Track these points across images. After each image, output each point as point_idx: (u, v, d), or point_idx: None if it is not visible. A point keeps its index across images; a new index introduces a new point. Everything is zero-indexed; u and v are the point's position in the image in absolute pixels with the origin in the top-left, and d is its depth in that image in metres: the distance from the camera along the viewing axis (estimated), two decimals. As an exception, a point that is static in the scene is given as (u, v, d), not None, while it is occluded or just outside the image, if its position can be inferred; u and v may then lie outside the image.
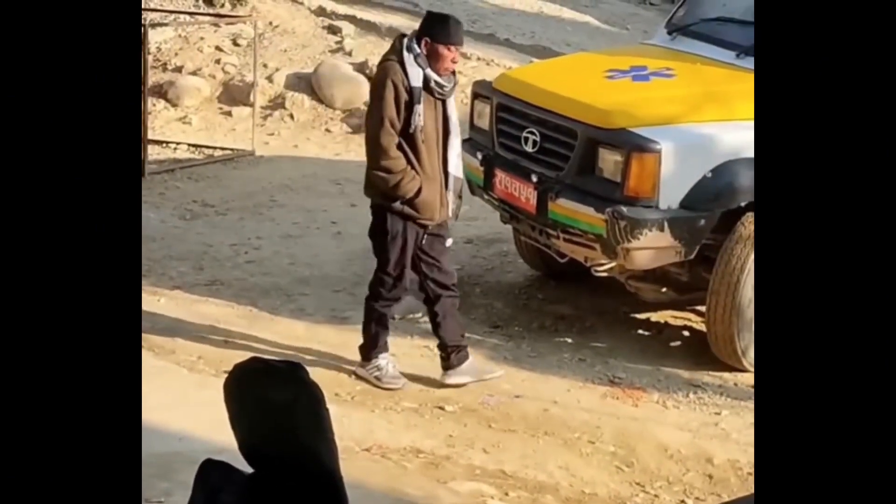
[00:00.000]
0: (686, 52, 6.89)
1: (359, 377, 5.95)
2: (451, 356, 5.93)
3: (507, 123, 6.66)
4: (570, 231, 6.25)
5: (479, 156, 6.75)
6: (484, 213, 7.87)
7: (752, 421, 5.87)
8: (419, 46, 5.56)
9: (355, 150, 10.05)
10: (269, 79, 10.89)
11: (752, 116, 6.44)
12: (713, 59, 6.74)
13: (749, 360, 6.24)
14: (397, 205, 5.62)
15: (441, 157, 5.70)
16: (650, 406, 5.95)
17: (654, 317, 6.91)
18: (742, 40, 6.68)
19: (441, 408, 5.75)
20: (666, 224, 5.97)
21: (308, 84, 10.79)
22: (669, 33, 7.22)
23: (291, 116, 10.58)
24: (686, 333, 6.78)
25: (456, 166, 5.78)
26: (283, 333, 6.45)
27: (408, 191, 5.57)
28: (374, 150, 5.58)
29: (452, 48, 5.60)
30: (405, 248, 5.71)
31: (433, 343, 6.43)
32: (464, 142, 7.08)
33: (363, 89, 10.68)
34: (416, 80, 5.53)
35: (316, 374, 2.74)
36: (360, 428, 5.43)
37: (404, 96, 5.52)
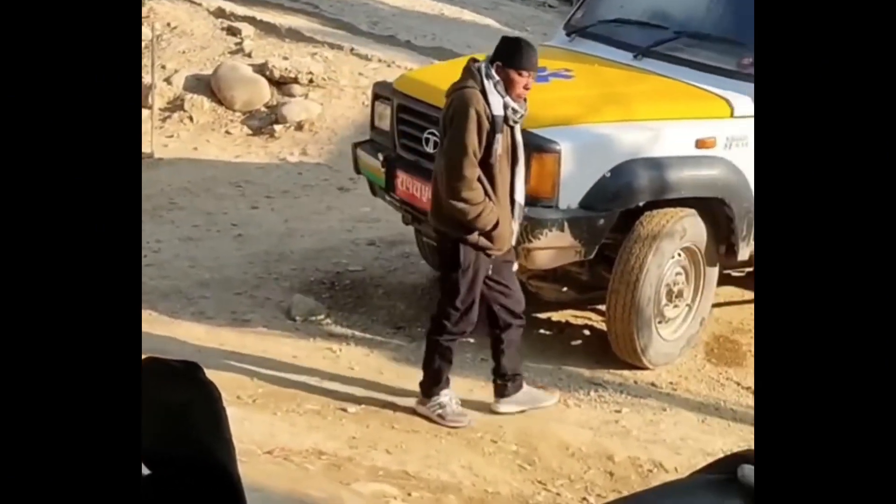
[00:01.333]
0: (584, 54, 6.96)
1: (419, 414, 5.73)
2: (507, 384, 5.84)
3: (408, 124, 6.65)
4: (471, 231, 6.26)
5: (381, 157, 6.74)
6: (386, 215, 7.86)
7: (652, 418, 5.95)
8: (495, 72, 5.44)
9: (256, 152, 9.99)
10: (168, 81, 10.77)
11: (650, 117, 6.52)
12: (611, 61, 6.81)
13: (648, 358, 6.32)
14: (473, 237, 5.47)
15: (510, 184, 5.58)
16: (552, 405, 5.99)
17: (555, 316, 6.96)
18: (639, 41, 6.76)
19: (344, 409, 5.73)
20: (566, 224, 6.02)
21: (207, 86, 10.69)
22: (568, 35, 7.28)
23: (191, 118, 10.48)
24: (587, 332, 6.84)
25: (521, 194, 5.65)
26: (184, 336, 6.37)
27: (487, 223, 5.43)
28: (456, 181, 5.35)
29: (525, 73, 5.45)
30: (475, 281, 5.58)
31: (336, 345, 6.41)
32: (364, 143, 7.10)
33: (263, 91, 10.62)
34: (498, 108, 5.38)
35: (217, 376, 2.71)
36: (261, 431, 5.39)
37: (486, 126, 5.36)
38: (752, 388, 6.33)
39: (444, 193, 5.44)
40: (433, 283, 7.31)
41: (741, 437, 5.84)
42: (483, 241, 5.48)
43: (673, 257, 6.30)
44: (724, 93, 6.39)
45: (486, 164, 5.39)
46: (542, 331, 6.82)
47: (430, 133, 6.44)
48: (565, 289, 6.62)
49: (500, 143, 5.38)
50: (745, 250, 6.50)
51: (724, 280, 6.86)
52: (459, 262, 5.52)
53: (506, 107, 5.39)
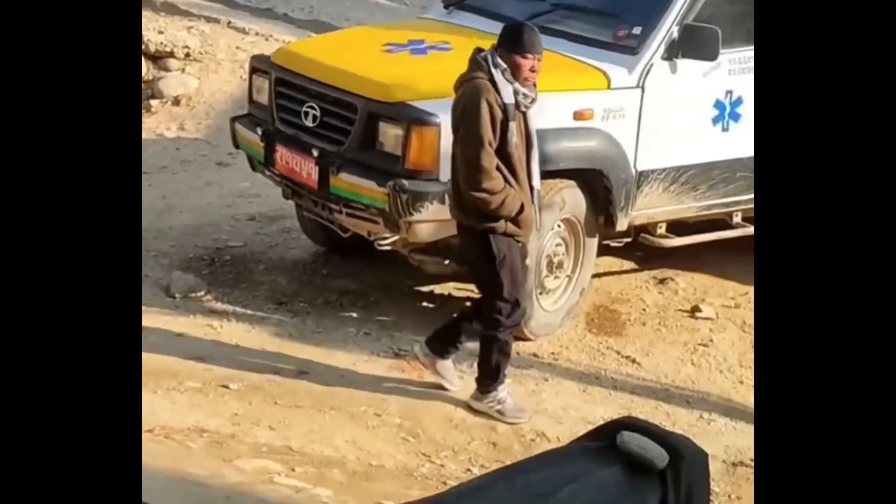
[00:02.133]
0: (462, 26, 6.96)
1: (475, 410, 5.68)
2: (490, 383, 5.75)
3: (287, 98, 6.60)
4: (352, 205, 6.25)
5: (259, 131, 6.67)
6: (266, 190, 7.79)
7: (534, 388, 6.01)
8: (501, 60, 5.41)
9: None
10: None
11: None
12: (489, 33, 6.80)
13: (529, 329, 6.37)
14: (501, 224, 5.44)
15: (527, 170, 5.56)
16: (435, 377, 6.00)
17: (438, 289, 6.98)
18: (516, 13, 6.78)
19: (225, 386, 5.68)
20: (447, 197, 6.02)
21: None
22: (446, 7, 7.28)
23: None
24: (469, 304, 6.86)
25: (538, 179, 5.64)
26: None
27: (511, 209, 5.40)
28: (475, 172, 5.35)
29: (529, 56, 5.43)
30: (515, 268, 5.54)
31: (217, 321, 6.35)
32: (243, 117, 7.02)
33: (139, 65, 10.43)
34: (509, 96, 5.37)
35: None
36: (142, 409, 5.31)
37: (499, 115, 5.34)
38: (632, 356, 6.43)
39: (465, 186, 5.43)
40: (314, 257, 7.28)
41: (621, 406, 5.93)
42: (511, 228, 5.47)
43: (552, 229, 6.36)
44: (601, 65, 6.45)
45: (503, 153, 5.38)
46: (424, 304, 6.84)
47: (308, 107, 6.39)
48: (447, 261, 6.63)
49: (515, 130, 5.39)
50: (624, 221, 6.58)
51: (603, 251, 6.94)
52: (493, 253, 5.48)
53: (516, 93, 5.39)
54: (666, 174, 6.62)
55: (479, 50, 5.54)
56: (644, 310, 6.98)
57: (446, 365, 5.85)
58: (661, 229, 6.95)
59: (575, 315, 6.69)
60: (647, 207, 6.69)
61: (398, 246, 6.49)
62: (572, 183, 6.35)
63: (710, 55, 6.39)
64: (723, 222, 7.18)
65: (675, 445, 3.34)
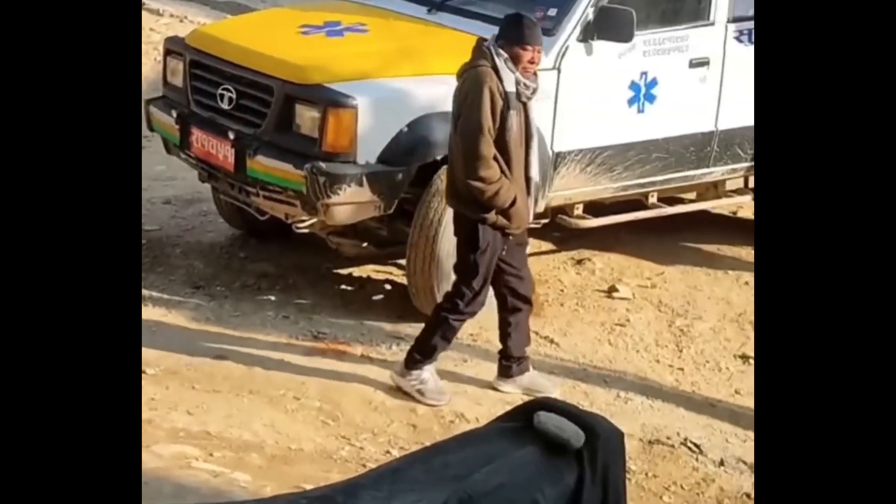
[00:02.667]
0: (378, 8, 6.94)
1: (398, 387, 5.70)
2: (512, 366, 5.82)
3: (202, 80, 6.54)
4: (269, 188, 6.22)
5: (174, 114, 6.61)
6: (182, 173, 7.72)
7: (453, 370, 6.02)
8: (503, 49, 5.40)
9: (44, 111, 9.66)
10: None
11: (445, 71, 6.53)
12: (405, 15, 6.82)
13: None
14: (491, 216, 5.43)
15: (525, 162, 5.53)
16: (354, 360, 6.01)
17: (356, 272, 6.97)
18: (432, -5, 6.79)
19: (143, 371, 5.63)
20: (364, 179, 6.02)
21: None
22: (362, -11, 7.25)
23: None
24: (388, 287, 6.86)
25: (535, 171, 5.62)
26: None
27: (505, 200, 5.39)
28: (474, 160, 5.33)
29: (529, 48, 5.41)
30: (492, 261, 5.55)
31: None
32: (157, 99, 6.94)
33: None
34: (510, 84, 5.35)
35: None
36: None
37: (500, 103, 5.33)
38: (549, 336, 6.48)
39: (461, 173, 5.40)
40: (231, 241, 7.24)
41: (540, 385, 5.97)
42: (501, 220, 5.47)
43: (471, 210, 6.36)
44: (517, 46, 6.45)
45: (501, 142, 5.36)
46: (343, 286, 6.82)
47: (224, 89, 6.34)
48: (365, 244, 6.62)
49: (515, 120, 5.37)
50: (541, 202, 6.60)
51: (521, 232, 6.97)
52: (478, 243, 5.48)
53: (518, 83, 5.38)
54: (582, 155, 6.66)
55: (482, 39, 5.57)
56: (562, 290, 7.03)
57: (529, 377, 5.86)
58: (578, 210, 7.00)
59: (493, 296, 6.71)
60: (564, 189, 6.72)
61: (316, 229, 6.47)
62: (490, 164, 6.35)
63: (626, 37, 6.43)
64: (639, 203, 7.24)
65: (591, 425, 3.39)
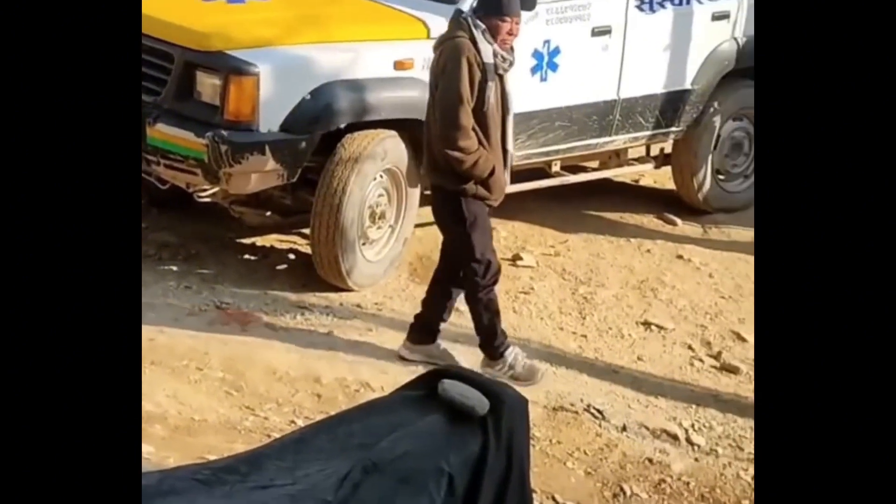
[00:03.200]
0: (281, -25, 6.86)
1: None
2: (423, 335, 5.82)
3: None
4: (170, 157, 6.12)
5: None
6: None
7: (358, 339, 6.01)
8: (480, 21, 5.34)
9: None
10: None
11: (348, 38, 6.48)
12: (308, -19, 6.75)
13: (353, 279, 6.36)
14: (471, 186, 5.40)
15: (501, 133, 5.51)
16: (258, 329, 5.97)
17: (260, 241, 6.91)
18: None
19: (41, 344, 5.53)
20: (267, 147, 5.96)
21: None
22: (264, -45, 7.16)
23: None
24: (292, 256, 6.82)
25: (511, 142, 5.62)
26: None
27: (484, 170, 5.36)
28: (452, 130, 5.30)
29: (508, 19, 5.38)
30: (486, 229, 5.54)
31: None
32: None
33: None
34: (488, 56, 5.31)
35: None
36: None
37: (478, 74, 5.29)
38: (454, 305, 6.48)
39: (440, 143, 5.38)
40: None
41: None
42: (481, 191, 5.44)
43: (375, 179, 6.35)
44: (421, 14, 6.44)
45: (479, 113, 5.34)
46: (246, 256, 6.77)
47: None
48: (269, 213, 6.57)
49: (493, 92, 5.34)
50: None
51: (425, 200, 6.96)
52: (463, 215, 5.47)
53: (495, 55, 5.35)
54: (486, 124, 6.66)
55: (459, 11, 5.54)
56: (466, 259, 7.04)
57: (439, 347, 5.84)
58: (483, 179, 7.00)
59: (398, 265, 6.71)
60: (468, 157, 6.72)
61: (218, 198, 6.40)
62: (394, 133, 6.34)
63: (528, 5, 6.42)
64: (542, 171, 7.28)
65: (495, 392, 3.40)
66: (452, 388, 3.33)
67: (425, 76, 6.35)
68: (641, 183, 8.47)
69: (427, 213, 7.21)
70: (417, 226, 6.92)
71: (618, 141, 7.38)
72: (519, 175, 7.21)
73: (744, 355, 6.34)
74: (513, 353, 5.74)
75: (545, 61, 6.81)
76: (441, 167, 5.46)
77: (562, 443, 5.38)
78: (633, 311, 6.65)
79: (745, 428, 5.69)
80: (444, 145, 5.37)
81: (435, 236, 7.20)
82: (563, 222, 7.50)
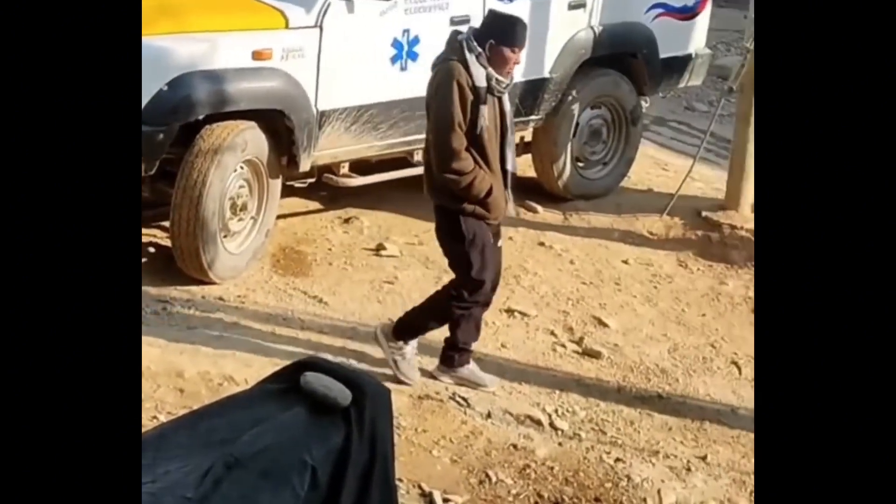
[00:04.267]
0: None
1: (377, 342, 5.78)
2: (455, 356, 5.76)
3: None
4: None
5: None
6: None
7: (221, 332, 5.95)
8: (481, 47, 5.30)
9: None
10: None
11: (205, 28, 6.41)
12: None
13: (215, 272, 6.30)
14: (469, 205, 5.40)
15: (500, 153, 5.51)
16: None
17: (119, 235, 6.78)
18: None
19: None
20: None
21: None
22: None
23: None
24: (151, 250, 6.72)
25: (511, 162, 5.60)
26: None
27: (480, 190, 5.37)
28: (445, 153, 5.37)
29: (517, 50, 5.42)
30: (486, 249, 5.50)
31: None
32: None
33: None
34: (481, 80, 5.29)
35: None
36: None
37: (469, 97, 5.27)
38: (318, 296, 6.46)
39: (435, 167, 5.43)
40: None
41: (310, 346, 5.96)
42: (479, 210, 5.46)
43: (235, 170, 6.29)
44: (279, 4, 6.40)
45: (473, 135, 5.35)
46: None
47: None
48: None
49: (486, 114, 5.35)
50: (307, 161, 6.58)
51: (287, 192, 6.93)
52: (462, 234, 5.48)
53: (489, 78, 5.35)
54: (347, 114, 6.66)
55: (457, 32, 5.53)
56: (330, 249, 7.02)
57: (470, 366, 5.83)
58: (345, 169, 7.00)
59: (261, 257, 6.66)
60: (330, 147, 6.71)
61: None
62: (253, 124, 6.29)
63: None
64: (405, 161, 7.29)
65: (358, 383, 3.40)
66: (314, 380, 3.32)
67: (284, 66, 6.33)
68: (503, 171, 8.53)
69: (289, 204, 7.19)
70: (280, 217, 6.88)
71: (479, 130, 7.41)
72: (382, 165, 7.22)
73: (605, 340, 6.45)
74: (412, 349, 5.77)
75: (405, 51, 6.82)
76: (440, 187, 5.52)
77: (427, 431, 5.40)
78: (497, 299, 6.69)
79: (607, 412, 5.78)
80: (439, 168, 5.45)
81: (298, 227, 7.19)
82: (426, 211, 7.47)
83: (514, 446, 5.37)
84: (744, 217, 7.81)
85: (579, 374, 6.12)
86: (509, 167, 5.64)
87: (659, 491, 5.19)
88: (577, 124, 7.93)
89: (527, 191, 8.10)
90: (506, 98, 5.56)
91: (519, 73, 7.36)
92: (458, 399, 5.66)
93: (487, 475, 5.14)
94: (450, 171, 5.40)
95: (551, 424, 5.62)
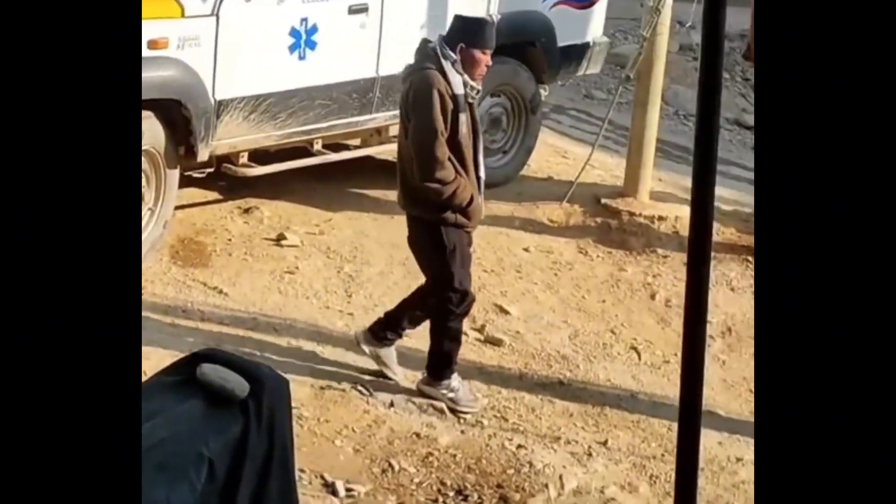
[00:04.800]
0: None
1: (425, 395, 5.66)
2: (387, 334, 5.76)
3: None
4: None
5: None
6: None
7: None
8: (452, 52, 5.26)
9: None
10: None
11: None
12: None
13: (112, 264, 6.20)
14: (450, 215, 5.35)
15: (473, 161, 5.53)
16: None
17: None
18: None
19: None
20: None
21: None
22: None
23: None
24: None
25: (483, 169, 5.63)
26: None
27: (463, 199, 5.35)
28: (428, 162, 5.34)
29: (487, 52, 5.43)
30: (465, 258, 5.46)
31: None
32: None
33: None
34: (459, 87, 5.29)
35: None
36: None
37: (450, 105, 5.25)
38: (219, 287, 6.41)
39: (417, 176, 5.39)
40: None
41: (210, 337, 5.91)
42: (460, 219, 5.44)
43: (131, 161, 6.19)
44: (175, -8, 6.32)
45: (453, 143, 5.34)
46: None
47: None
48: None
49: (465, 122, 5.34)
50: (205, 151, 6.51)
51: (185, 182, 6.85)
52: (444, 244, 5.43)
53: (465, 85, 5.34)
54: (245, 103, 6.60)
55: (426, 40, 5.52)
56: (230, 240, 6.96)
57: (389, 353, 5.79)
58: (244, 159, 6.94)
59: (159, 248, 6.58)
60: (228, 137, 6.65)
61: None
62: (150, 114, 6.20)
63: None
64: (304, 150, 7.25)
65: (255, 374, 3.38)
66: (211, 371, 3.29)
67: (180, 55, 6.26)
68: (404, 160, 8.52)
69: (188, 195, 7.11)
70: (178, 208, 6.80)
71: (379, 118, 7.40)
72: (281, 154, 7.18)
73: (506, 327, 6.48)
74: (456, 378, 5.75)
75: (303, 39, 6.78)
76: (418, 198, 5.49)
77: (330, 421, 5.38)
78: (399, 288, 6.69)
79: (508, 399, 5.82)
80: (422, 178, 5.41)
81: (197, 218, 7.12)
82: (326, 201, 7.50)
83: (417, 435, 5.38)
84: (642, 204, 7.90)
85: (481, 361, 6.15)
86: (481, 174, 5.65)
87: (561, 476, 5.24)
88: (477, 113, 7.94)
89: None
90: (476, 105, 5.59)
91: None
92: (360, 389, 5.66)
93: (390, 464, 5.14)
94: (433, 180, 5.38)
95: (454, 412, 5.64)
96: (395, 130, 7.87)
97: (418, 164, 5.43)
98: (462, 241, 5.59)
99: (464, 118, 5.42)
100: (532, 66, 8.10)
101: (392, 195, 7.83)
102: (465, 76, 5.41)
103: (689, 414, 2.49)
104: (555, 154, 9.05)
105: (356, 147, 7.82)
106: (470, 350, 6.23)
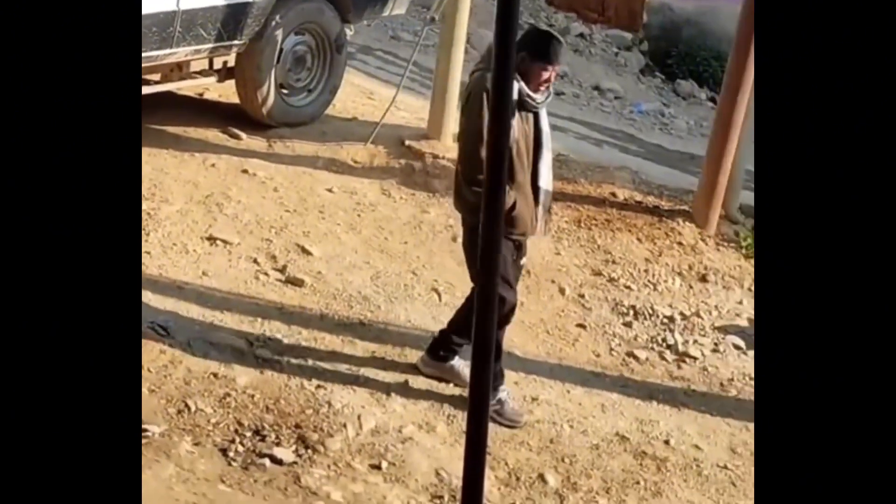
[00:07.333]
0: None
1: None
2: (440, 349, 5.66)
3: None
4: None
5: None
6: None
7: None
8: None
9: None
10: None
11: None
12: None
13: None
14: None
15: (532, 170, 5.34)
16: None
17: None
18: None
19: None
20: None
21: None
22: None
23: None
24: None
25: (546, 180, 5.42)
26: None
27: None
28: (472, 164, 5.17)
29: (550, 68, 5.22)
30: (505, 265, 5.16)
31: None
32: None
33: None
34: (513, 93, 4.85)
35: None
36: None
37: None
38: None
39: (462, 177, 5.30)
40: None
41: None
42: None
43: None
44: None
45: None
46: None
47: None
48: None
49: (515, 127, 5.12)
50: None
51: None
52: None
53: (521, 92, 5.12)
54: None
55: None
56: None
57: (457, 365, 5.66)
58: None
59: None
60: None
61: None
62: None
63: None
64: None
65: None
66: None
67: None
68: (206, 97, 8.37)
69: None
70: None
71: (179, 53, 7.23)
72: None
73: (308, 268, 6.45)
74: (506, 391, 5.63)
75: None
76: (464, 200, 5.35)
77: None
78: (198, 227, 6.59)
79: (308, 339, 5.80)
80: (465, 179, 5.28)
81: None
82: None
83: (215, 375, 5.32)
84: (445, 146, 7.94)
85: (282, 302, 6.10)
86: (542, 184, 5.48)
87: (359, 416, 5.26)
88: (282, 50, 7.84)
89: (230, 117, 7.98)
90: (543, 114, 5.43)
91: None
92: (156, 328, 5.55)
93: (186, 404, 5.07)
94: (473, 182, 5.25)
95: (252, 353, 5.59)
96: (196, 66, 7.72)
97: (461, 165, 5.39)
98: (504, 249, 5.43)
99: (514, 123, 5.26)
100: (338, 4, 8.03)
101: (193, 132, 7.73)
102: (522, 84, 5.23)
103: (481, 353, 2.52)
104: (360, 95, 9.02)
105: (156, 82, 7.62)
106: (271, 290, 6.18)
